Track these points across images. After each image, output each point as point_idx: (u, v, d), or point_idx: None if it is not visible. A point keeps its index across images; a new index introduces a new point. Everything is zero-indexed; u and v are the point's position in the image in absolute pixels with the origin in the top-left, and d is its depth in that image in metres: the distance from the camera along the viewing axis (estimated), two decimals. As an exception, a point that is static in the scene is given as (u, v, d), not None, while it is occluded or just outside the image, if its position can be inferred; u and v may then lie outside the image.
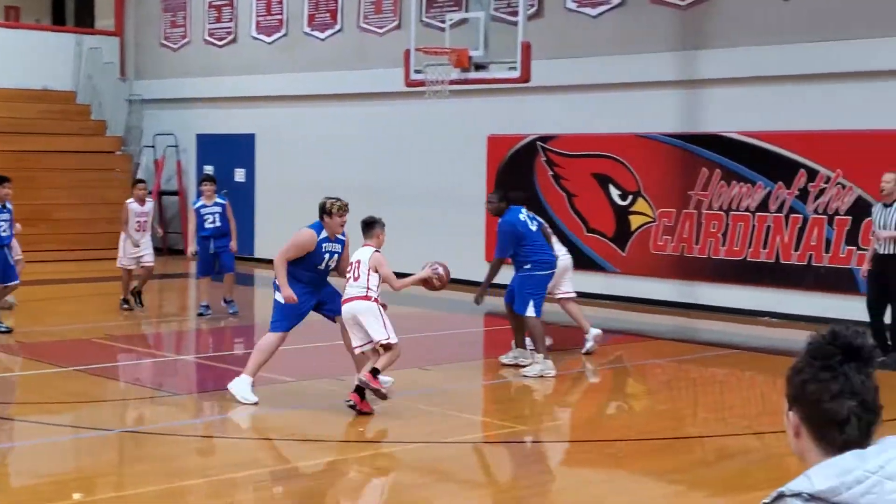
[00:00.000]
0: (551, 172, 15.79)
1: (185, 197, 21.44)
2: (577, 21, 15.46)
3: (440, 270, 8.73)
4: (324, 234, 8.57)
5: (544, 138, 15.89)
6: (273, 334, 8.71)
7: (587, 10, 15.39)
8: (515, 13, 13.60)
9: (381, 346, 8.32)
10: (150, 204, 13.75)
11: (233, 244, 13.37)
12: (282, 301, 8.55)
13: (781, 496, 2.04)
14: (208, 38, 21.00)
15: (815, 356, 2.16)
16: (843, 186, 12.98)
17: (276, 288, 8.66)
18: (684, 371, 10.88)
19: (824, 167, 13.14)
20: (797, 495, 2.02)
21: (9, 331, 11.67)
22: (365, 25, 18.25)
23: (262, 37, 19.99)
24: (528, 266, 10.05)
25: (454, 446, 7.76)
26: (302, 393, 9.60)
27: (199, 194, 13.57)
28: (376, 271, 8.41)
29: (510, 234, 10.03)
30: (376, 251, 8.48)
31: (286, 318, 8.65)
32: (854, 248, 12.85)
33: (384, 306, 8.44)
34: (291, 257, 8.53)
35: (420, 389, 9.61)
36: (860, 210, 12.77)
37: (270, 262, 18.29)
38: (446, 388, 9.31)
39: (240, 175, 20.36)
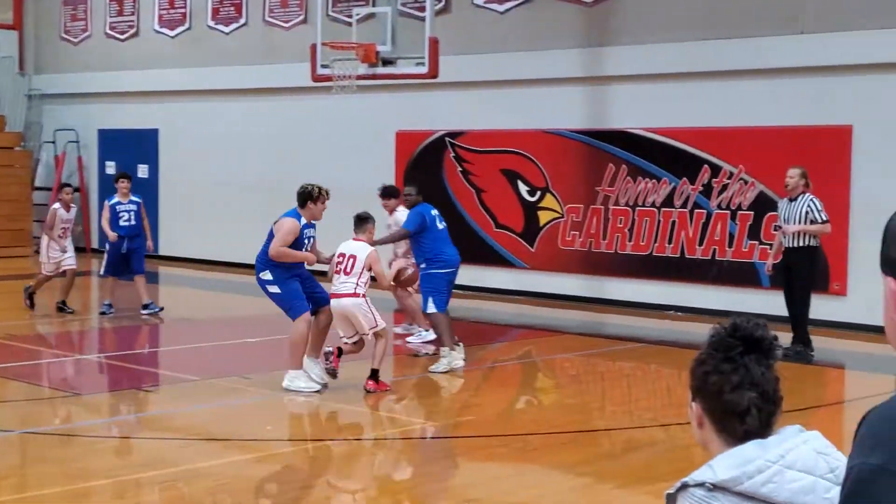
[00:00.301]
0: (460, 168, 15.82)
1: (86, 193, 20.96)
2: (485, 17, 15.52)
3: (410, 271, 9.84)
4: (303, 220, 8.98)
5: (453, 134, 15.91)
6: (298, 321, 8.89)
7: (494, 5, 15.45)
8: (423, 8, 13.59)
9: (375, 333, 8.79)
10: (74, 209, 13.43)
11: (149, 243, 13.44)
12: (279, 292, 8.85)
13: (685, 486, 2.06)
14: (110, 32, 20.56)
15: (716, 348, 2.19)
16: (746, 182, 13.26)
17: (266, 284, 8.91)
18: (592, 365, 11.00)
19: (727, 163, 13.41)
20: (700, 485, 2.04)
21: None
22: (270, 19, 18.06)
23: (164, 30, 19.64)
24: (424, 265, 10.24)
25: (363, 443, 7.71)
26: (207, 391, 9.44)
27: (115, 191, 13.27)
28: (370, 269, 8.83)
29: (421, 216, 10.27)
30: (373, 249, 9.01)
31: (298, 298, 8.89)
32: (756, 242, 13.14)
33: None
34: (290, 242, 8.81)
35: (331, 387, 9.54)
36: (762, 205, 13.07)
37: (175, 259, 18.00)
38: (356, 385, 9.24)
39: (143, 171, 19.97)
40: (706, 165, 13.57)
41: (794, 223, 10.59)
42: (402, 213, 11.00)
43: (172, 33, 19.53)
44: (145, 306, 12.99)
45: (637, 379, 10.64)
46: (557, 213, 14.90)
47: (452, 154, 15.92)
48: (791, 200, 10.70)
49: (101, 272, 13.23)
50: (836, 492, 2.00)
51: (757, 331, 2.17)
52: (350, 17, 13.94)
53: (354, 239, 9.11)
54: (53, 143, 21.41)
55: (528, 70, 15.05)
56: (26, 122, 21.59)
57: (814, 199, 10.62)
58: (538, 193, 15.13)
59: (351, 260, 8.83)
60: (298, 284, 8.96)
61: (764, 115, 13.12)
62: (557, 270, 14.94)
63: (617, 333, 12.64)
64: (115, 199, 13.04)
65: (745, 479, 2.03)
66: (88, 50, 20.94)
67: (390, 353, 10.23)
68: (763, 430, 2.13)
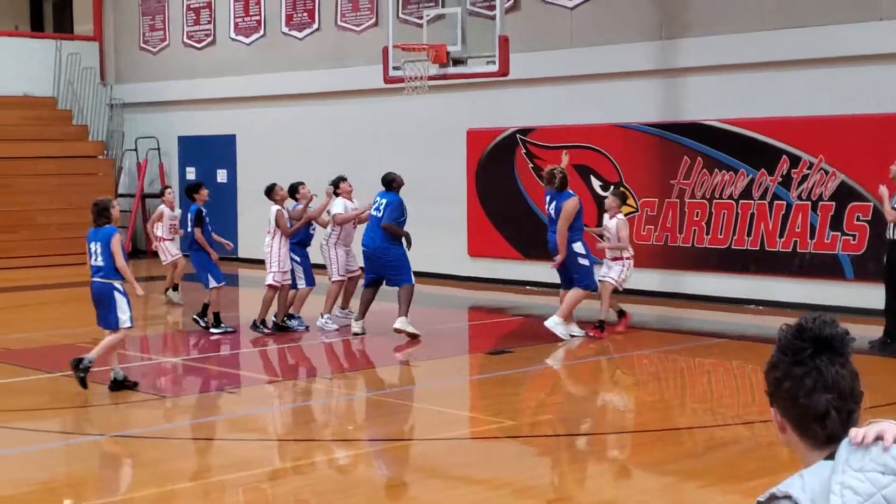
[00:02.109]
0: (532, 165, 15.80)
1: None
2: (554, 13, 15.47)
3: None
4: None
5: (524, 131, 15.89)
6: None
7: (564, 1, 15.39)
8: (492, 7, 13.60)
9: None
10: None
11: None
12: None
13: (774, 497, 2.03)
14: (187, 41, 20.94)
15: (784, 352, 2.12)
16: (826, 172, 13.03)
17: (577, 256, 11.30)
18: (671, 361, 10.91)
19: (807, 153, 13.19)
20: (787, 497, 2.00)
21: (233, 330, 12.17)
22: (343, 24, 18.22)
23: (240, 38, 19.94)
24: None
25: (442, 442, 7.77)
26: (289, 392, 9.59)
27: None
28: None
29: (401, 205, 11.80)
30: None
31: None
32: (839, 233, 12.90)
33: None
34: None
35: (407, 385, 9.61)
36: (844, 195, 12.83)
37: (254, 261, 18.21)
38: (433, 384, 9.32)
39: (222, 176, 20.31)
40: (784, 156, 13.36)
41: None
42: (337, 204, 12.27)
43: (248, 40, 19.82)
44: (294, 317, 12.41)
45: (718, 375, 10.52)
46: (631, 207, 14.79)
47: (524, 150, 15.90)
48: None
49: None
50: None
51: (825, 329, 2.09)
52: (420, 18, 14.01)
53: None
54: (135, 150, 21.88)
55: (599, 64, 14.97)
56: (108, 131, 22.10)
57: None
58: (611, 188, 15.02)
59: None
60: None
61: (843, 104, 12.87)
62: (639, 266, 14.79)
63: (696, 329, 12.52)
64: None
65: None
66: (167, 59, 21.35)
67: (463, 351, 10.22)
68: (846, 429, 2.07)
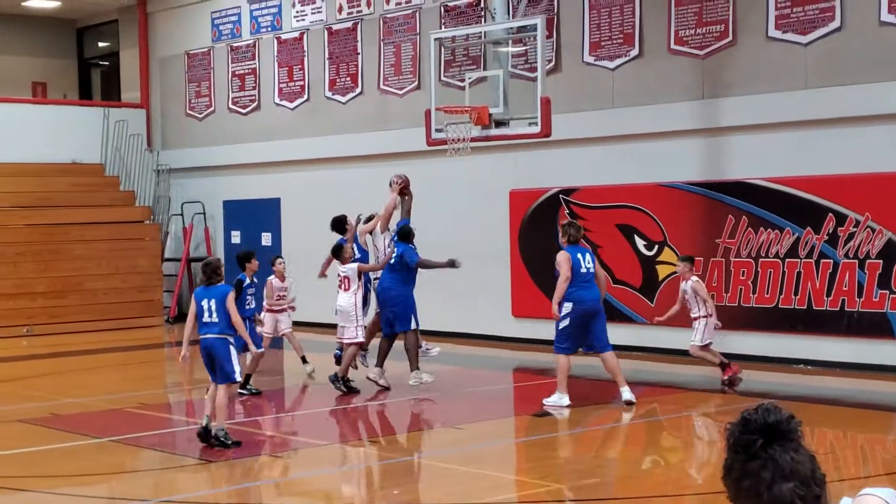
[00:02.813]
0: (577, 226, 15.76)
1: (213, 263, 21.57)
2: (596, 73, 15.55)
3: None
4: None
5: (567, 191, 15.91)
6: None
7: (605, 62, 15.48)
8: (534, 69, 13.70)
9: None
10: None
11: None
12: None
13: None
14: (232, 107, 21.28)
15: (736, 450, 2.07)
16: (873, 230, 12.89)
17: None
18: (719, 423, 10.75)
19: (853, 211, 13.07)
20: None
21: (258, 392, 12.16)
22: (385, 87, 18.44)
23: (284, 103, 20.23)
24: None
25: (489, 507, 7.68)
26: (328, 458, 9.56)
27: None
28: None
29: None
30: None
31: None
32: (887, 291, 12.73)
33: None
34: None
35: (452, 448, 9.55)
36: (892, 253, 12.67)
37: (301, 324, 18.29)
38: (478, 447, 9.24)
39: (266, 239, 20.49)
40: (830, 214, 13.25)
41: None
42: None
43: (292, 105, 20.10)
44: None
45: (767, 436, 10.34)
46: (676, 266, 14.69)
47: (567, 211, 15.91)
48: None
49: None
50: None
51: (769, 416, 2.05)
52: (462, 81, 14.14)
53: None
54: (181, 215, 22.16)
55: (641, 124, 15.00)
56: (155, 196, 22.43)
57: None
58: (656, 247, 14.98)
59: None
60: None
61: (888, 161, 12.76)
62: (678, 325, 14.68)
63: (744, 389, 12.34)
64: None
65: None
66: (212, 124, 21.70)
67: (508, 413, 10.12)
68: None
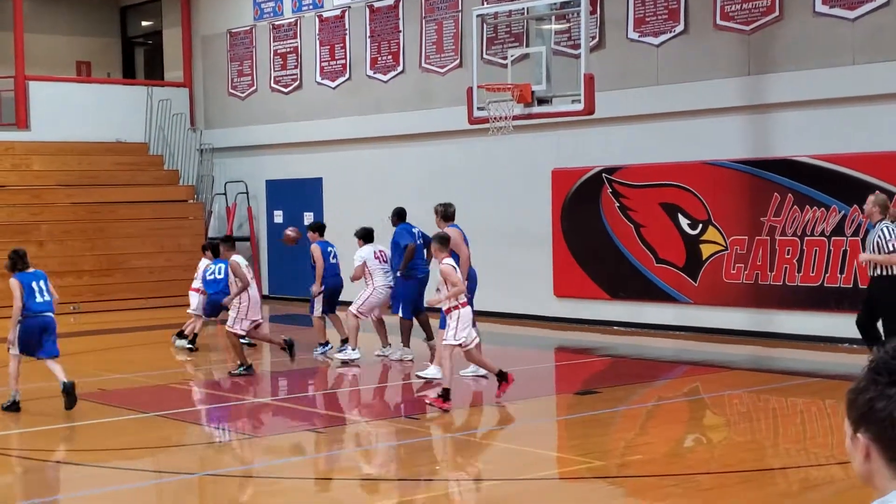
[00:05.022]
0: (618, 204, 15.70)
1: (256, 242, 21.72)
2: (640, 50, 15.42)
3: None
4: None
5: (610, 170, 15.82)
6: None
7: (649, 38, 15.34)
8: (577, 46, 13.59)
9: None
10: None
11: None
12: None
13: None
14: (274, 86, 21.35)
15: (879, 372, 2.09)
16: (920, 207, 12.68)
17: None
18: (763, 401, 10.68)
19: (899, 188, 12.88)
20: None
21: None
22: (427, 66, 18.41)
23: (326, 82, 20.26)
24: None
25: (531, 483, 7.70)
26: (371, 434, 9.61)
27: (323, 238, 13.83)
28: None
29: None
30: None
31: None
32: (934, 269, 12.53)
33: None
34: None
35: (494, 426, 9.56)
36: (939, 230, 12.46)
37: (342, 303, 18.37)
38: (520, 425, 9.25)
39: (308, 219, 20.56)
40: (877, 191, 13.04)
41: (869, 251, 10.49)
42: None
43: (333, 84, 20.13)
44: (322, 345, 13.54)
45: (812, 415, 10.27)
46: (721, 245, 14.60)
47: (610, 190, 15.82)
48: (871, 227, 10.65)
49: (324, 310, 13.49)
50: None
51: None
52: (504, 59, 14.08)
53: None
54: (224, 194, 22.31)
55: (686, 101, 14.86)
56: (198, 176, 22.59)
57: (885, 228, 10.32)
58: (700, 226, 14.87)
59: None
60: None
61: (938, 137, 12.56)
62: (722, 304, 14.61)
63: (788, 368, 12.25)
64: (323, 242, 13.72)
65: None
66: (255, 104, 21.79)
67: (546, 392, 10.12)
68: None
